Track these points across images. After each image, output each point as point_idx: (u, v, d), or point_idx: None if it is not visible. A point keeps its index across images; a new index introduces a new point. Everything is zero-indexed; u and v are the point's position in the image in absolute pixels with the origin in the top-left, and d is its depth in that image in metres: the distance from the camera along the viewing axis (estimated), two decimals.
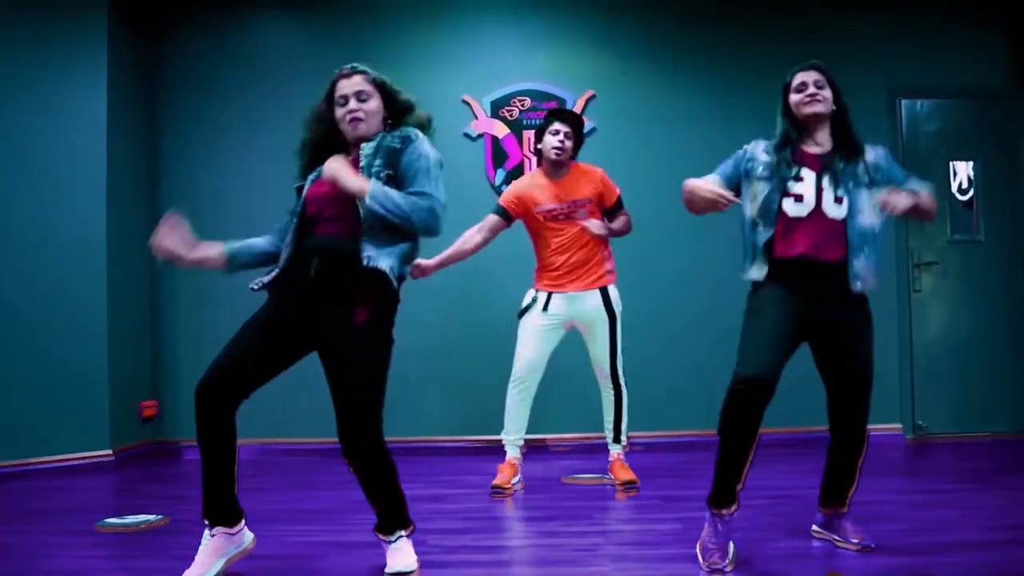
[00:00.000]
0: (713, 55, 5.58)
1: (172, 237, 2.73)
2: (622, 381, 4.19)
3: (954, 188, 5.70)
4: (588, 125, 5.43)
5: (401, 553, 2.76)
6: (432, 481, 4.39)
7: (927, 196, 2.87)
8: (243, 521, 2.80)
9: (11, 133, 4.79)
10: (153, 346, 5.52)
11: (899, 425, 5.42)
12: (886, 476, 4.34)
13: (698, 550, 2.80)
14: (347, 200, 2.60)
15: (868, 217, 2.85)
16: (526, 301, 4.15)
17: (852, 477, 2.98)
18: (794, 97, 2.94)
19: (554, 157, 4.08)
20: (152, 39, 5.58)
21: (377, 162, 2.64)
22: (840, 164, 2.88)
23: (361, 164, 2.65)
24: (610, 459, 4.27)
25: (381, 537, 2.80)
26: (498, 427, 4.30)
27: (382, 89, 2.75)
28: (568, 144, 4.09)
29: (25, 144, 4.82)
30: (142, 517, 3.72)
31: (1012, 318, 5.55)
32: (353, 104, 2.68)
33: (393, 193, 2.58)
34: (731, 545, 2.78)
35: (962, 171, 5.66)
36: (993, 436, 5.44)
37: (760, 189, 2.89)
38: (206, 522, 2.72)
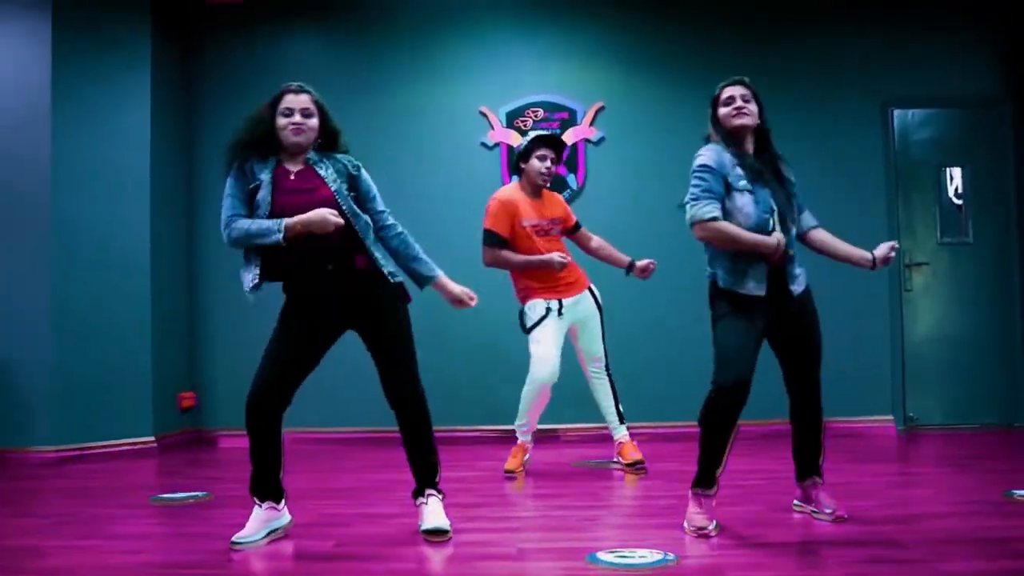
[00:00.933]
0: (715, 69, 5.81)
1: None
2: (610, 368, 4.56)
3: (951, 192, 6.02)
4: (597, 135, 5.81)
5: (436, 513, 3.14)
6: (450, 466, 4.75)
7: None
8: (284, 501, 3.20)
9: (66, 146, 5.21)
10: (191, 342, 5.93)
11: (891, 417, 5.73)
12: (874, 462, 4.66)
13: (685, 523, 3.14)
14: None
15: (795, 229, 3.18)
16: (539, 313, 4.35)
17: (819, 447, 3.30)
18: (723, 111, 3.19)
19: (540, 182, 4.41)
20: (190, 54, 6.00)
21: (344, 186, 3.06)
22: (782, 176, 3.17)
23: (332, 187, 3.03)
24: (620, 441, 4.57)
25: (418, 500, 3.18)
26: (510, 418, 4.63)
27: (321, 111, 3.13)
28: (553, 169, 4.44)
29: (78, 156, 5.24)
30: (190, 493, 4.10)
31: (999, 316, 5.86)
32: (298, 118, 3.06)
33: (422, 256, 3.18)
34: (714, 520, 3.12)
35: (957, 176, 5.97)
36: (981, 427, 5.75)
37: (745, 201, 3.07)
38: (255, 498, 3.13)
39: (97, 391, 5.21)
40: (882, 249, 3.22)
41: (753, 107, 3.17)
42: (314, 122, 3.10)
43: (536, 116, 5.85)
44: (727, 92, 3.19)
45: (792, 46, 5.89)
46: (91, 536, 3.33)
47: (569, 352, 4.59)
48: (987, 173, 5.94)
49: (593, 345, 4.49)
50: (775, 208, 3.10)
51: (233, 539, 3.05)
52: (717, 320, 3.14)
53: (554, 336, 4.34)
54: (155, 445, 5.37)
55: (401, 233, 3.18)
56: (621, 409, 4.58)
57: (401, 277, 3.17)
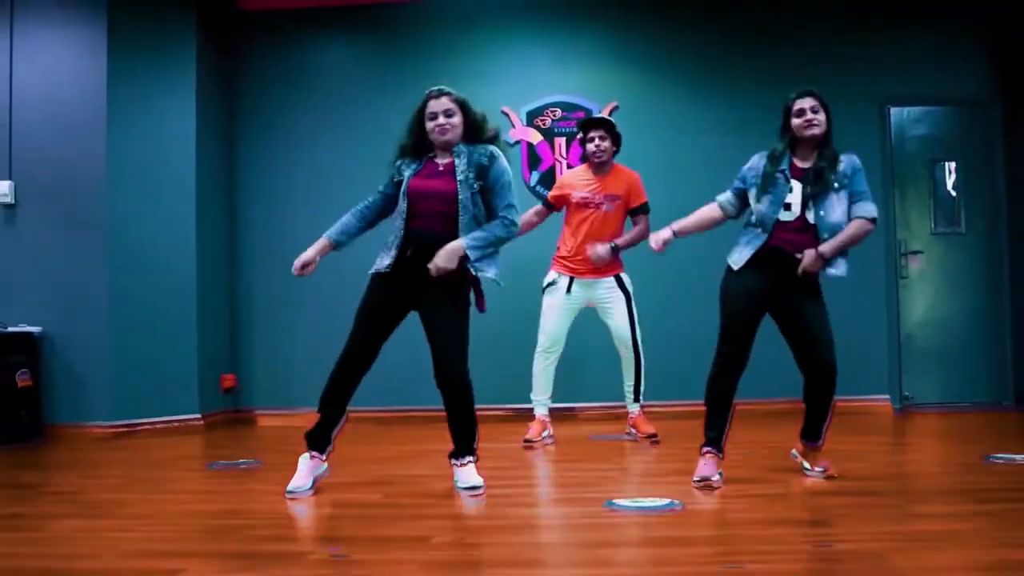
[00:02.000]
0: (725, 70, 6.29)
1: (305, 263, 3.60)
2: (641, 349, 4.91)
3: (949, 185, 6.39)
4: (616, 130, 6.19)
5: (471, 473, 3.55)
6: (482, 438, 5.15)
7: (855, 227, 3.52)
8: (328, 453, 3.63)
9: (119, 146, 5.63)
10: (232, 329, 6.36)
11: (887, 396, 6.11)
12: (869, 434, 5.05)
13: (693, 478, 3.53)
14: (442, 203, 3.44)
15: (836, 216, 3.53)
16: (549, 279, 4.90)
17: (826, 414, 3.63)
18: (795, 121, 3.54)
19: (596, 160, 4.86)
20: (230, 58, 6.43)
21: (471, 175, 3.45)
22: (820, 175, 3.51)
23: (459, 178, 3.45)
24: (633, 416, 4.98)
25: (455, 462, 3.59)
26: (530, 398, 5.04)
27: (463, 107, 3.55)
28: (605, 144, 4.85)
29: (130, 155, 5.67)
30: (240, 460, 4.52)
31: (989, 302, 6.24)
32: (442, 119, 3.48)
33: (481, 236, 3.43)
34: (720, 475, 3.53)
35: (950, 174, 6.34)
36: (972, 406, 6.13)
37: (759, 199, 3.55)
38: (309, 447, 3.57)
39: (148, 372, 5.64)
40: (807, 258, 3.52)
41: (821, 116, 3.53)
42: (457, 120, 3.51)
43: (555, 115, 6.25)
44: (798, 104, 3.54)
45: (797, 47, 6.26)
46: (162, 491, 3.76)
47: (592, 333, 4.98)
48: (978, 168, 6.31)
49: (617, 325, 4.86)
50: (789, 203, 3.52)
51: (288, 488, 3.48)
52: (721, 297, 3.65)
53: (559, 311, 4.82)
54: (201, 422, 5.80)
55: (506, 219, 3.49)
56: (641, 388, 4.94)
57: (489, 273, 3.51)
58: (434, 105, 3.50)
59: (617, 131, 4.91)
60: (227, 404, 6.26)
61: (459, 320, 3.50)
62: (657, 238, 3.70)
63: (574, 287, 4.83)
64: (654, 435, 4.85)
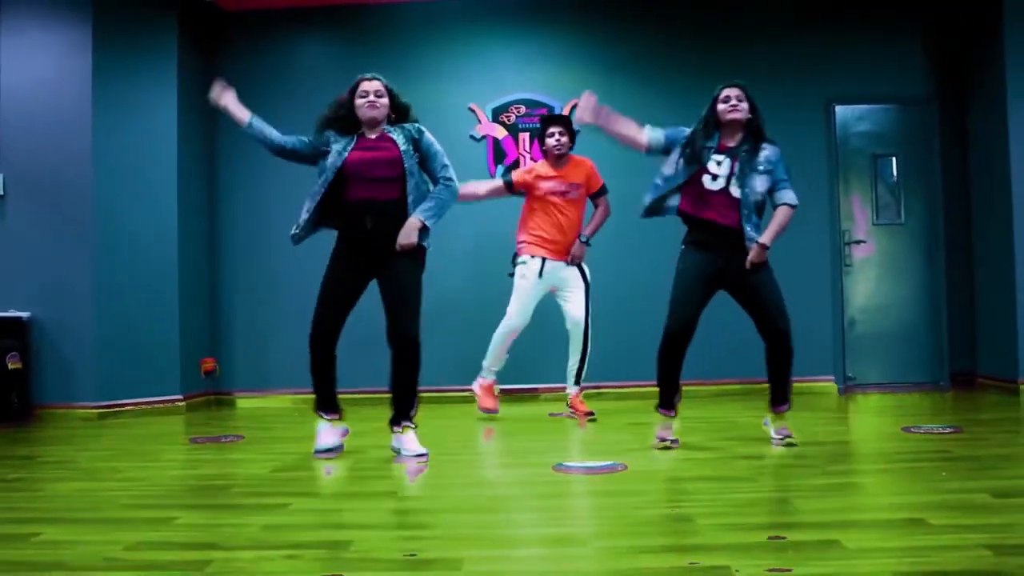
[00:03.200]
0: (679, 70, 6.64)
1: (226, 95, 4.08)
2: (589, 336, 5.28)
3: (885, 183, 6.79)
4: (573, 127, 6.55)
5: (414, 440, 3.88)
6: (440, 417, 5.49)
7: (782, 215, 3.95)
8: (342, 415, 4.04)
9: (104, 141, 5.90)
10: (212, 313, 6.66)
11: (832, 377, 6.51)
12: (811, 411, 5.43)
13: (652, 441, 3.92)
14: (389, 168, 3.81)
15: (757, 195, 3.92)
16: (522, 259, 5.25)
17: (787, 376, 4.02)
18: (721, 107, 3.97)
19: (556, 153, 5.23)
20: (212, 57, 6.71)
21: (410, 147, 3.85)
22: (744, 155, 3.92)
23: (401, 147, 3.84)
24: (572, 395, 5.34)
25: (396, 428, 3.89)
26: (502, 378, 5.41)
27: (390, 91, 3.96)
28: (564, 139, 5.24)
29: (115, 149, 5.95)
30: (223, 435, 4.84)
31: (927, 287, 6.65)
32: (372, 97, 3.88)
33: (431, 205, 3.83)
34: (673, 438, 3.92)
35: (891, 168, 6.75)
36: (912, 385, 6.54)
37: (673, 158, 4.01)
38: (321, 413, 3.98)
39: (132, 355, 5.93)
40: (753, 253, 3.92)
41: (744, 105, 3.95)
42: (385, 101, 3.91)
43: (519, 112, 6.58)
44: (725, 92, 3.98)
45: (748, 49, 6.61)
46: (152, 461, 4.08)
47: (553, 319, 5.33)
48: (917, 162, 6.71)
49: (574, 311, 5.23)
50: (716, 174, 3.90)
51: (315, 448, 3.91)
52: (675, 275, 4.02)
53: (530, 292, 5.18)
54: (183, 403, 6.10)
55: (449, 182, 3.92)
56: (583, 372, 5.32)
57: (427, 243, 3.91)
58: (366, 85, 3.90)
59: (574, 128, 5.27)
60: (207, 386, 6.55)
61: (417, 281, 3.87)
62: (586, 107, 4.04)
63: (545, 271, 5.18)
64: (591, 413, 5.23)
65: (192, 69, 6.42)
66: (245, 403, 6.56)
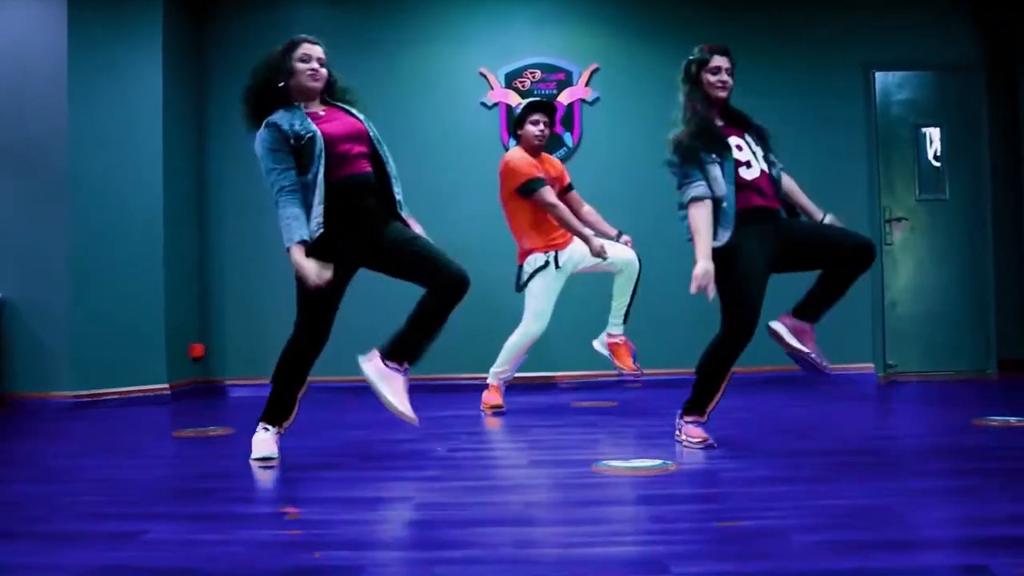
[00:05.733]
0: (706, 33, 6.10)
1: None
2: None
3: (930, 155, 6.29)
4: (592, 95, 6.05)
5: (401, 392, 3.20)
6: (452, 407, 5.00)
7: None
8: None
9: (82, 106, 5.37)
10: (201, 294, 6.14)
11: (871, 364, 6.03)
12: (856, 401, 4.96)
13: (684, 439, 3.39)
14: (360, 143, 3.26)
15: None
16: (538, 263, 4.59)
17: (836, 298, 3.28)
18: (710, 78, 3.33)
19: (536, 143, 4.65)
20: (201, 18, 6.17)
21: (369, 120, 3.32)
22: (748, 128, 3.39)
23: (364, 120, 3.30)
24: (617, 340, 4.69)
25: (391, 363, 3.18)
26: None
27: (328, 64, 3.32)
28: (547, 131, 4.68)
29: (94, 116, 5.42)
30: (209, 427, 4.34)
31: (973, 268, 6.16)
32: (315, 64, 3.25)
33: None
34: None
35: (935, 140, 6.25)
36: (956, 374, 6.06)
37: (717, 174, 3.25)
38: (268, 425, 3.34)
39: (113, 340, 5.42)
40: (830, 219, 3.43)
41: (731, 80, 3.38)
42: (324, 72, 3.29)
43: (534, 77, 6.07)
44: (716, 61, 3.34)
45: (780, 11, 6.12)
46: (128, 457, 3.58)
47: (571, 303, 4.82)
48: (962, 134, 6.22)
49: (622, 252, 4.58)
50: (748, 161, 3.30)
51: (256, 456, 3.25)
52: (725, 268, 3.26)
53: (551, 291, 4.59)
54: (169, 392, 5.59)
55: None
56: (629, 311, 4.70)
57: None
58: (310, 48, 3.26)
59: (555, 122, 4.89)
60: (196, 373, 6.05)
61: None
62: (703, 279, 3.19)
63: (560, 260, 4.63)
64: (638, 371, 4.68)
65: (179, 28, 5.89)
66: (238, 392, 6.05)
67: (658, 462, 3.05)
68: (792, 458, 3.20)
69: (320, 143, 3.13)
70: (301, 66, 3.23)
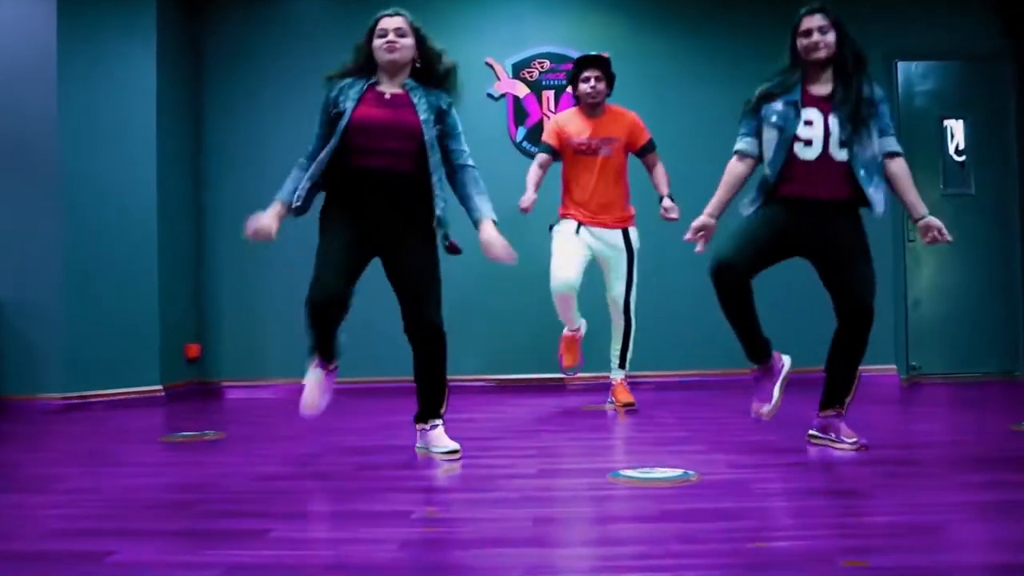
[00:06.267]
0: (718, 20, 5.91)
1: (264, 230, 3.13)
2: (632, 314, 4.55)
3: (951, 149, 6.04)
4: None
5: (441, 437, 3.21)
6: (456, 409, 4.76)
7: (906, 169, 3.24)
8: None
9: (72, 99, 5.14)
10: (197, 293, 5.91)
11: (893, 366, 5.78)
12: (879, 403, 4.70)
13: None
14: (403, 140, 3.06)
15: (870, 151, 3.11)
16: (560, 221, 4.52)
17: (851, 380, 3.21)
18: (802, 42, 3.16)
19: (590, 101, 4.46)
20: (197, 9, 5.94)
21: (432, 117, 3.10)
22: (848, 106, 3.09)
23: (421, 116, 3.09)
24: (613, 383, 4.64)
25: (423, 425, 3.25)
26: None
27: (417, 33, 3.17)
28: (600, 86, 4.45)
29: (84, 108, 5.19)
30: (200, 432, 4.11)
31: (999, 267, 5.91)
32: (392, 36, 3.10)
33: (486, 197, 3.20)
34: (776, 391, 3.22)
35: (959, 132, 6.00)
36: (982, 376, 5.81)
37: (772, 137, 3.14)
38: (319, 359, 3.26)
39: (105, 340, 5.19)
40: (933, 224, 3.19)
41: (830, 37, 3.14)
42: (408, 41, 3.13)
43: (542, 67, 5.83)
44: (805, 23, 3.17)
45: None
46: (109, 465, 3.35)
47: (581, 301, 4.59)
48: (988, 126, 5.96)
49: (614, 285, 4.51)
50: (809, 139, 3.09)
51: (302, 410, 3.24)
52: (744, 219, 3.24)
53: (569, 250, 4.41)
54: (163, 394, 5.37)
55: (472, 168, 3.22)
56: (627, 356, 4.60)
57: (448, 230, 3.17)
58: (386, 22, 3.14)
59: (612, 72, 4.52)
60: (191, 375, 5.82)
61: (435, 261, 3.16)
62: (695, 232, 3.26)
63: (582, 231, 4.45)
64: (631, 404, 4.53)
65: (174, 20, 5.68)
66: (235, 393, 5.83)
67: (679, 472, 2.81)
68: (825, 468, 2.96)
69: (344, 123, 3.05)
70: (378, 41, 3.13)
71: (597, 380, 5.52)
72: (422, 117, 3.09)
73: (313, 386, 3.24)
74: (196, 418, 4.79)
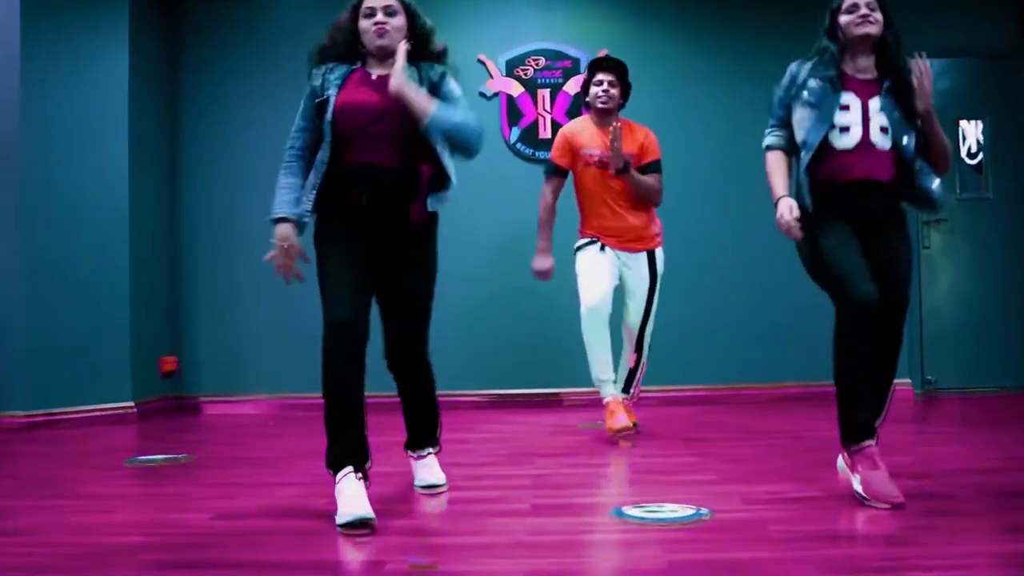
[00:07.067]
0: (722, 16, 5.63)
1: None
2: (646, 348, 4.15)
3: (963, 152, 5.76)
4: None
5: (431, 469, 2.92)
6: (449, 429, 4.46)
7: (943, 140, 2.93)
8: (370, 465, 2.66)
9: (36, 95, 4.84)
10: (172, 304, 5.61)
11: (908, 380, 5.48)
12: (896, 422, 4.38)
13: (864, 493, 2.64)
14: (395, 123, 2.65)
15: (911, 141, 2.86)
16: (581, 241, 4.11)
17: (882, 404, 2.90)
18: (846, 18, 2.87)
19: (600, 106, 4.06)
20: (174, 6, 5.65)
21: (423, 90, 2.67)
22: (886, 89, 2.84)
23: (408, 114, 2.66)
24: (606, 400, 4.09)
25: (411, 453, 2.95)
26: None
27: (407, 9, 2.79)
28: (614, 92, 4.07)
29: (50, 106, 4.90)
30: (168, 456, 3.81)
31: (1018, 273, 5.61)
32: (381, 16, 2.71)
33: (450, 111, 2.66)
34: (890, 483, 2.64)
35: (971, 134, 5.72)
36: (1000, 390, 5.51)
37: (805, 116, 2.85)
38: (345, 464, 2.56)
39: (73, 354, 4.88)
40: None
41: (879, 15, 2.85)
42: (399, 21, 2.73)
43: (538, 64, 5.54)
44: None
45: None
46: (61, 496, 3.05)
47: (572, 312, 4.27)
48: (1006, 127, 5.69)
49: (631, 314, 4.11)
50: (846, 126, 2.80)
51: (341, 519, 2.44)
52: (814, 238, 2.82)
53: (598, 267, 4.00)
54: (134, 411, 5.06)
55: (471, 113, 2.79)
56: (634, 381, 4.18)
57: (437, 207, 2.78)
58: (373, 1, 2.73)
59: (628, 81, 4.16)
60: (166, 390, 5.52)
61: (430, 291, 2.78)
62: (788, 224, 2.76)
63: (607, 249, 4.05)
64: (626, 429, 3.94)
65: (148, 13, 5.39)
66: (213, 409, 5.53)
67: (691, 511, 2.51)
68: (850, 505, 2.66)
69: (329, 111, 2.64)
70: (365, 23, 2.73)
71: (595, 395, 5.26)
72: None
73: (354, 493, 2.50)
74: (168, 438, 4.48)
